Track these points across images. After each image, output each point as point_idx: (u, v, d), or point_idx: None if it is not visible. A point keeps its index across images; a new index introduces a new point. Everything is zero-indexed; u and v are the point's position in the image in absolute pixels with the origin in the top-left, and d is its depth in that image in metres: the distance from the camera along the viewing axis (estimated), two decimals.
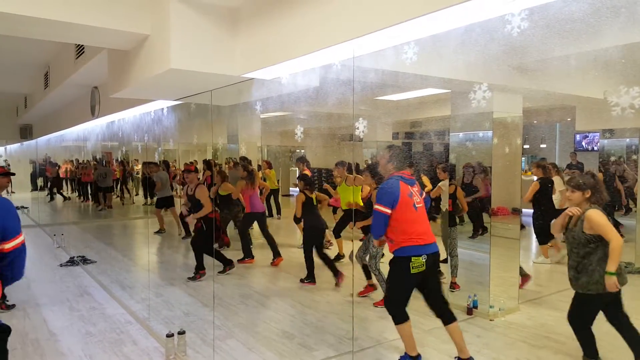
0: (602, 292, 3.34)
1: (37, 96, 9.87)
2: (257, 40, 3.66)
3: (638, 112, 2.53)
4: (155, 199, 9.61)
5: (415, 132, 13.38)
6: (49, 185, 15.64)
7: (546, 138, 14.36)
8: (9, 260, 2.46)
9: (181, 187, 7.70)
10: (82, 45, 5.93)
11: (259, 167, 9.80)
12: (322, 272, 6.47)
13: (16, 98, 12.46)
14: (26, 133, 14.82)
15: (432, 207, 8.11)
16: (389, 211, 3.53)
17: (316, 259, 6.11)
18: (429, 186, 7.31)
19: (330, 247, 7.57)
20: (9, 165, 15.13)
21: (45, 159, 15.54)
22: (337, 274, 5.98)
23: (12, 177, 5.10)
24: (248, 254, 7.28)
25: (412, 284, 3.61)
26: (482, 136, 4.97)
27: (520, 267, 5.66)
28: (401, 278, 3.61)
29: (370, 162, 6.33)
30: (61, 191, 15.65)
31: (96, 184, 13.20)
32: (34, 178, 16.18)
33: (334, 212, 7.58)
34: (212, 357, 3.98)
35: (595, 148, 8.39)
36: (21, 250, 2.50)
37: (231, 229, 8.24)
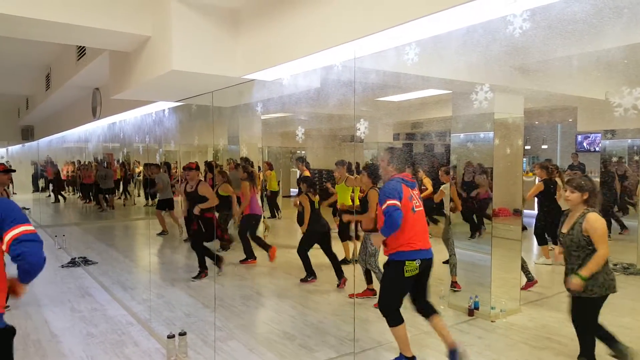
0: (605, 294, 3.33)
1: (39, 97, 9.89)
2: (258, 42, 3.65)
3: None
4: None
5: (416, 133, 13.37)
6: (50, 187, 15.64)
7: (548, 139, 14.33)
8: (16, 253, 2.45)
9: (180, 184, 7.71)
10: (84, 47, 5.94)
11: (259, 168, 9.80)
12: (324, 274, 6.47)
13: (18, 99, 12.48)
14: (28, 134, 14.83)
15: (435, 210, 8.13)
16: (399, 203, 3.51)
17: (324, 259, 6.12)
18: (430, 189, 7.31)
19: None
20: (10, 166, 15.11)
21: (47, 160, 15.56)
22: (341, 277, 5.98)
23: (13, 178, 5.11)
24: (250, 255, 7.27)
25: (406, 287, 3.65)
26: (484, 137, 4.96)
27: (529, 271, 5.66)
28: (395, 281, 3.64)
29: (369, 162, 6.29)
30: (62, 192, 15.66)
31: (97, 185, 13.21)
32: (35, 179, 16.20)
33: (334, 214, 7.57)
34: (213, 358, 3.97)
35: (597, 149, 8.38)
36: (23, 240, 2.46)
37: (231, 229, 8.24)
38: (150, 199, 10.84)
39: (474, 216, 5.76)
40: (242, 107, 6.37)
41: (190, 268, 6.83)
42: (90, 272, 6.85)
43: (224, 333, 4.51)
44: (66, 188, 16.45)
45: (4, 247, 2.37)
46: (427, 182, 7.69)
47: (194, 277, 6.36)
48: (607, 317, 4.91)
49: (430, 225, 6.58)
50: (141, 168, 12.91)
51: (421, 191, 7.40)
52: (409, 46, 2.93)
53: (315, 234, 6.10)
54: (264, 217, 8.53)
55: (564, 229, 3.46)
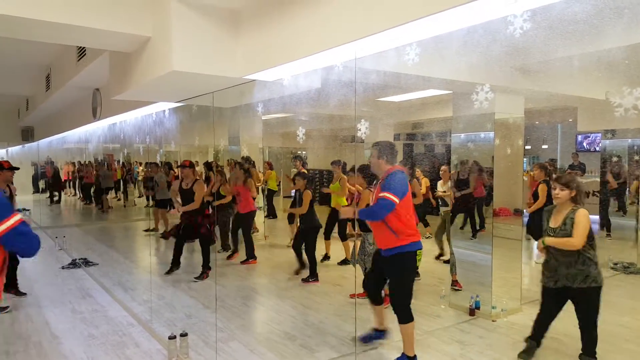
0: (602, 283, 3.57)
1: (39, 98, 9.89)
2: (258, 42, 3.65)
3: None
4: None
5: (417, 133, 13.37)
6: (49, 188, 15.61)
7: (548, 139, 14.34)
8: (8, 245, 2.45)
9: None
10: (84, 48, 5.94)
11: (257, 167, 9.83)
12: (325, 274, 6.48)
13: (18, 100, 12.48)
14: (28, 135, 14.83)
15: (432, 210, 8.17)
16: (398, 201, 3.57)
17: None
18: (423, 190, 7.32)
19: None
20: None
21: (47, 161, 15.55)
22: (315, 276, 6.13)
23: (13, 179, 5.20)
24: (251, 255, 7.29)
25: (414, 277, 3.79)
26: (484, 137, 4.96)
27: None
28: (411, 273, 3.73)
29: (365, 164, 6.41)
30: (59, 192, 15.60)
31: (98, 185, 13.21)
32: (35, 180, 16.18)
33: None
34: (215, 359, 3.98)
35: (597, 149, 8.38)
36: (13, 233, 2.45)
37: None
38: (150, 200, 10.86)
39: (474, 215, 5.79)
40: (243, 108, 6.37)
41: (190, 268, 6.83)
42: (91, 274, 6.85)
43: (225, 334, 4.51)
44: (66, 188, 16.44)
45: None
46: (424, 182, 7.69)
47: (196, 278, 6.40)
48: (608, 316, 4.92)
49: (419, 227, 6.72)
50: (141, 168, 12.93)
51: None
52: (409, 46, 2.93)
53: (315, 230, 6.20)
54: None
55: (553, 224, 3.64)
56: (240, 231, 7.47)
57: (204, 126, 8.09)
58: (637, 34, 3.19)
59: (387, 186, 3.58)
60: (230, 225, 7.66)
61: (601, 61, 4.08)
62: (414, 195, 4.46)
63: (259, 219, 9.40)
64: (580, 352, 3.66)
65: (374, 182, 4.07)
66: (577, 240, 3.48)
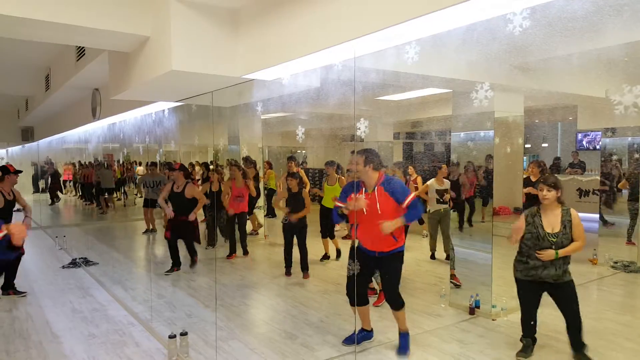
0: None
1: (38, 98, 9.88)
2: (257, 41, 3.65)
3: None
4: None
5: (416, 132, 13.37)
6: (49, 190, 15.58)
7: (548, 137, 14.33)
8: None
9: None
10: (83, 48, 5.93)
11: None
12: (325, 273, 6.48)
13: (17, 100, 12.47)
14: (27, 135, 14.81)
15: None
16: None
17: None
18: (420, 189, 7.36)
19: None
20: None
21: (46, 161, 15.55)
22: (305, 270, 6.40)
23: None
24: (234, 250, 7.54)
25: None
26: (484, 136, 4.96)
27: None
28: (400, 269, 4.09)
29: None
30: (58, 192, 15.58)
31: (98, 185, 13.18)
32: (35, 180, 16.17)
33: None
34: (215, 358, 3.98)
35: (598, 147, 8.38)
36: None
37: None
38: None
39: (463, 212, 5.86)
40: (242, 107, 6.37)
41: (190, 268, 6.84)
42: (91, 273, 6.85)
43: (225, 333, 4.51)
44: (66, 188, 16.41)
45: None
46: (418, 181, 7.71)
47: (190, 267, 6.67)
48: (608, 314, 4.93)
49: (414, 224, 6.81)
50: (141, 168, 12.91)
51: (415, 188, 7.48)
52: (408, 45, 2.92)
53: (304, 227, 6.42)
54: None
55: (550, 229, 3.65)
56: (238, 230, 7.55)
57: (203, 126, 8.08)
58: (637, 32, 3.18)
59: (403, 190, 3.86)
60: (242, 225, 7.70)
61: (601, 59, 4.07)
62: None
63: (259, 218, 9.43)
64: (572, 350, 3.76)
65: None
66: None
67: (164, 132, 7.55)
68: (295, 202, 6.34)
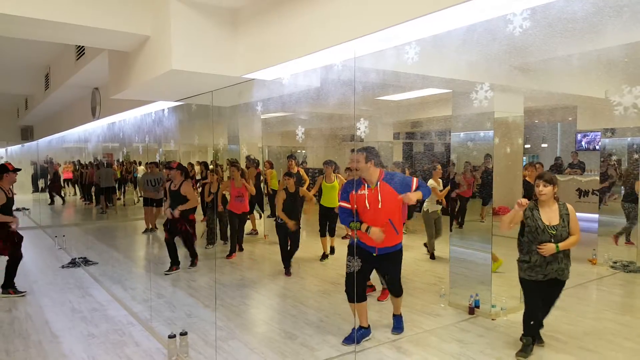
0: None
1: (38, 97, 9.88)
2: (257, 41, 3.65)
3: None
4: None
5: (416, 132, 13.37)
6: (49, 189, 15.56)
7: (547, 138, 14.33)
8: None
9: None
10: (83, 47, 5.93)
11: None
12: (325, 273, 6.48)
13: (17, 99, 12.47)
14: (27, 134, 14.80)
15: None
16: None
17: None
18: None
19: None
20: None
21: (46, 160, 15.53)
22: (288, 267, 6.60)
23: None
24: (234, 250, 7.62)
25: None
26: (484, 136, 4.96)
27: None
28: (400, 268, 4.31)
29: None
30: (60, 193, 15.57)
31: (98, 185, 13.17)
32: (35, 180, 16.15)
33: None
34: (214, 358, 3.98)
35: (597, 147, 8.39)
36: None
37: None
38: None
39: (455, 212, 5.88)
40: (242, 107, 6.37)
41: (190, 268, 6.84)
42: (91, 273, 6.85)
43: (225, 332, 4.51)
44: (66, 187, 16.39)
45: None
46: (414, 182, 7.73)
47: (190, 266, 6.80)
48: (607, 314, 4.93)
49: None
50: (140, 168, 12.90)
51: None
52: (408, 45, 2.92)
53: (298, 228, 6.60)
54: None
55: (549, 222, 3.72)
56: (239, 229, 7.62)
57: (203, 125, 8.08)
58: (637, 33, 3.19)
59: (406, 180, 4.02)
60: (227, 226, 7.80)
61: (601, 60, 4.08)
62: None
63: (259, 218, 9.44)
64: (523, 334, 3.96)
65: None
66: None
67: (163, 132, 7.55)
68: (293, 202, 6.36)
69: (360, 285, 4.16)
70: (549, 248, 3.65)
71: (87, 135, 11.34)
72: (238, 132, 9.54)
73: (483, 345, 4.19)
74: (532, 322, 3.91)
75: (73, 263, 7.34)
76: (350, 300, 4.15)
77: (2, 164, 5.76)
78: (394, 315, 4.51)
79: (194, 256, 6.88)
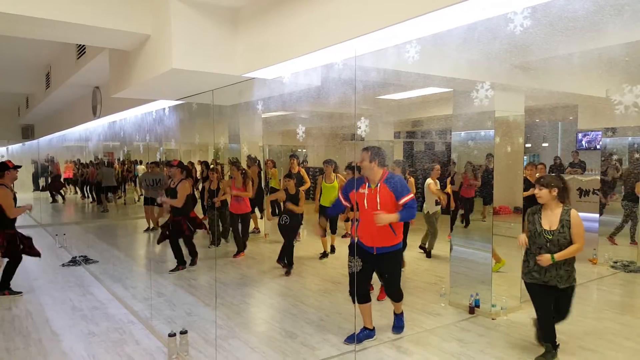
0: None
1: (39, 96, 9.88)
2: (258, 40, 3.65)
3: None
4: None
5: (417, 131, 13.36)
6: (49, 188, 15.56)
7: (548, 137, 14.32)
8: None
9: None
10: (84, 46, 5.93)
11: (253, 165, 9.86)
12: (325, 272, 6.48)
13: (18, 98, 12.47)
14: (28, 133, 14.80)
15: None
16: None
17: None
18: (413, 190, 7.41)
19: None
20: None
21: (47, 158, 15.53)
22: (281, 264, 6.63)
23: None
24: (242, 249, 7.63)
25: None
26: (484, 135, 4.96)
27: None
28: (400, 269, 4.33)
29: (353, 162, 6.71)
30: (60, 192, 15.57)
31: (98, 184, 13.17)
32: (35, 178, 16.16)
33: (346, 219, 7.86)
34: (215, 356, 3.98)
35: (598, 147, 8.38)
36: None
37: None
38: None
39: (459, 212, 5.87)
40: (243, 106, 6.37)
41: (190, 267, 6.84)
42: (91, 271, 6.85)
43: (225, 331, 4.52)
44: (67, 186, 16.39)
45: None
46: (411, 184, 7.70)
47: (190, 265, 6.81)
48: (608, 314, 4.93)
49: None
50: (141, 167, 12.90)
51: None
52: (409, 44, 2.92)
53: (298, 225, 6.69)
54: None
55: (547, 226, 3.65)
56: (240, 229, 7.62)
57: (204, 124, 8.08)
58: (638, 31, 3.18)
59: (403, 188, 3.94)
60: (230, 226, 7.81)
61: (602, 59, 4.07)
62: None
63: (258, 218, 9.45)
64: (537, 337, 3.97)
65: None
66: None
67: (164, 131, 7.55)
68: (293, 203, 6.39)
69: (361, 286, 4.15)
70: (544, 259, 3.54)
71: (88, 134, 11.34)
72: (239, 131, 9.54)
73: (483, 345, 4.19)
74: (540, 327, 3.85)
75: (74, 261, 7.35)
76: (354, 301, 4.13)
77: (3, 162, 5.78)
78: (394, 313, 4.49)
79: (194, 255, 6.90)
